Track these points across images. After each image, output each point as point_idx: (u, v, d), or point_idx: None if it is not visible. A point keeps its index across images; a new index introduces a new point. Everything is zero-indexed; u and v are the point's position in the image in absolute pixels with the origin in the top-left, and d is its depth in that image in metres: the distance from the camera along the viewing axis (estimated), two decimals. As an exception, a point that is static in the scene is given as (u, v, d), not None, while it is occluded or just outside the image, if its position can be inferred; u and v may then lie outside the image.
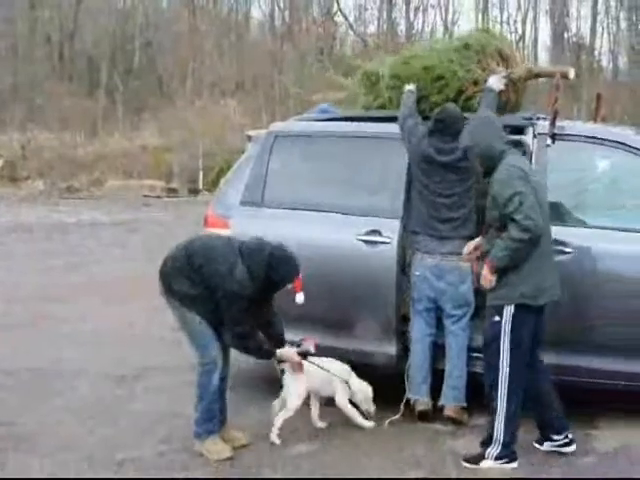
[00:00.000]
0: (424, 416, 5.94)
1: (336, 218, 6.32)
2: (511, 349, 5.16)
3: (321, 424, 5.90)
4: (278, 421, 5.68)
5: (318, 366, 5.77)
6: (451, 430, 5.80)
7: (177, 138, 28.41)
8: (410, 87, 6.39)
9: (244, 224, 6.46)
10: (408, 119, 6.23)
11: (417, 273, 6.04)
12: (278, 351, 5.55)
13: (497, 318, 5.19)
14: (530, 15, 39.74)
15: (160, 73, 39.03)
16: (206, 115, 29.10)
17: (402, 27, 40.18)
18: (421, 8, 40.19)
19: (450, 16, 40.82)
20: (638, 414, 5.90)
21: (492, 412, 5.25)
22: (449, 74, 6.37)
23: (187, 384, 6.84)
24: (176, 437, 5.76)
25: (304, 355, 5.67)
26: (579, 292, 5.75)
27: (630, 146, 6.01)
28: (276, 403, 5.85)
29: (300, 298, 5.57)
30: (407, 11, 39.85)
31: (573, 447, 5.41)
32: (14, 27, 38.38)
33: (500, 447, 5.20)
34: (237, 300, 5.28)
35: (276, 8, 40.70)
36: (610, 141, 6.08)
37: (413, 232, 6.13)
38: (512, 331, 5.16)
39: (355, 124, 6.61)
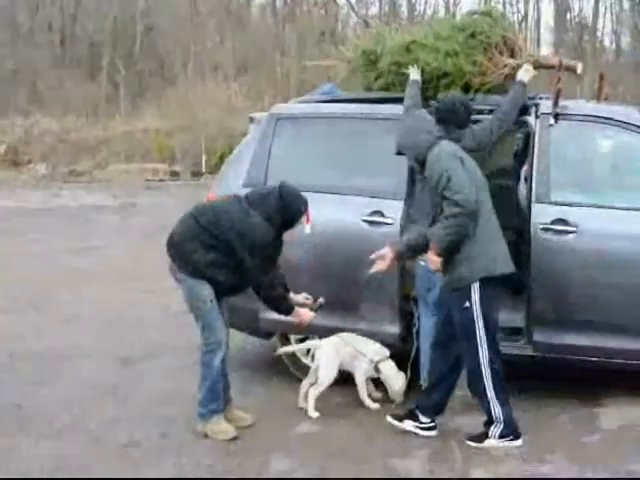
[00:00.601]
0: None
1: (339, 199, 6.31)
2: (486, 330, 5.19)
3: (374, 405, 5.94)
4: (312, 396, 5.78)
5: (348, 342, 5.88)
6: (455, 409, 5.81)
7: (179, 121, 28.34)
8: (415, 76, 6.33)
9: (247, 206, 6.45)
10: (413, 110, 6.19)
11: (423, 263, 5.87)
12: (296, 309, 5.59)
13: (467, 304, 5.19)
14: (533, -5, 39.56)
15: (162, 57, 38.94)
16: (208, 98, 29.04)
17: (404, 8, 40.07)
18: (423, -12, 40.06)
19: (452, -3, 40.62)
20: (642, 392, 5.92)
21: (482, 396, 5.28)
22: (455, 71, 6.32)
23: (192, 365, 6.86)
24: (181, 418, 5.78)
25: (317, 309, 5.70)
26: (583, 271, 5.76)
27: (633, 125, 6.00)
28: (305, 382, 5.93)
29: (308, 229, 5.61)
30: (409, -8, 39.69)
31: (434, 432, 5.45)
32: (15, 11, 38.30)
33: (502, 425, 5.22)
34: (261, 249, 5.32)
35: (277, -10, 40.55)
36: (613, 120, 6.06)
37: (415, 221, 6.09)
38: (482, 310, 5.18)
39: (357, 105, 6.59)
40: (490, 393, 5.23)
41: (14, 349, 7.49)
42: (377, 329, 6.13)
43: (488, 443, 5.24)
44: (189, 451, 5.28)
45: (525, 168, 6.55)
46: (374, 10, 40.53)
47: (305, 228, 5.60)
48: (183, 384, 6.27)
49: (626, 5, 37.16)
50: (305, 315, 5.65)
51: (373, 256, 5.49)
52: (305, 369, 6.18)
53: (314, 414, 5.76)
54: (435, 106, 5.98)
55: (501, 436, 5.23)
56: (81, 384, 6.60)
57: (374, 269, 5.50)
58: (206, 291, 5.43)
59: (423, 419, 5.45)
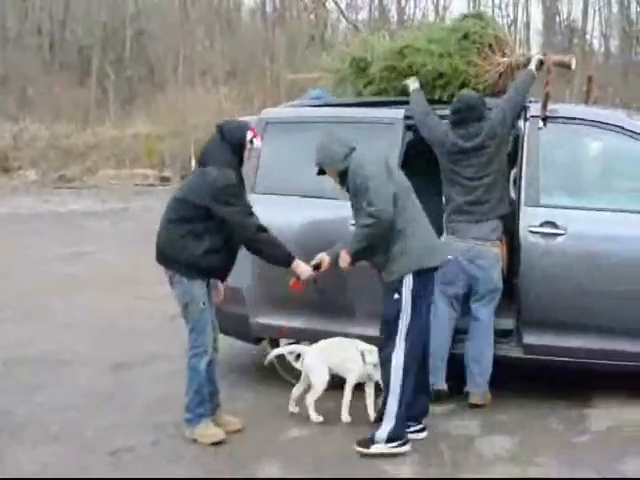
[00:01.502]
0: (438, 398, 5.89)
1: (329, 204, 6.32)
2: (410, 323, 5.19)
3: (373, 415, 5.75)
4: (310, 403, 5.77)
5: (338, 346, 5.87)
6: (445, 412, 5.83)
7: (169, 126, 28.33)
8: (415, 86, 6.35)
9: (237, 210, 6.46)
10: (427, 118, 6.18)
11: (448, 257, 5.85)
12: (297, 260, 5.56)
13: (396, 296, 5.22)
14: (522, -1, 39.69)
15: (151, 61, 38.91)
16: (198, 103, 29.02)
17: (394, 13, 40.14)
18: (412, -7, 40.13)
19: (442, 0, 40.77)
20: (632, 393, 5.93)
21: (386, 389, 5.26)
22: (450, 71, 6.36)
23: (184, 371, 6.87)
24: (171, 424, 5.76)
25: (317, 267, 5.63)
26: (572, 274, 5.79)
27: (622, 128, 6.02)
28: (295, 389, 5.91)
29: (258, 142, 5.64)
30: (398, -4, 39.75)
31: (425, 434, 5.44)
32: (4, 16, 38.24)
33: (392, 426, 5.16)
34: (232, 195, 5.37)
35: (267, -5, 40.55)
36: (602, 123, 6.08)
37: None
38: (412, 303, 5.19)
39: (347, 110, 6.60)
40: (393, 388, 5.18)
41: (8, 356, 7.48)
42: (371, 333, 6.13)
43: (375, 449, 5.17)
44: (181, 458, 5.28)
45: (514, 171, 6.57)
46: (364, 15, 40.62)
47: (256, 143, 5.60)
48: (176, 390, 6.24)
49: (615, 8, 37.32)
50: (305, 269, 5.57)
51: (312, 262, 5.57)
52: (296, 373, 6.19)
53: (318, 418, 5.73)
54: (453, 106, 6.02)
55: (389, 439, 5.15)
56: (75, 391, 6.59)
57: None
58: (200, 292, 5.44)
59: (412, 426, 5.40)
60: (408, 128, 6.35)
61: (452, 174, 6.06)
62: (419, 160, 6.36)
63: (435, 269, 5.36)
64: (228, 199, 5.35)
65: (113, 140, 29.85)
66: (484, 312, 5.97)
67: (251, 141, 5.55)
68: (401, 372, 5.17)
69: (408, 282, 5.20)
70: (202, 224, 5.40)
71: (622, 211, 5.89)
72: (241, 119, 5.78)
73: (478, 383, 5.89)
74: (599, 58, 37.49)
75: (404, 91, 6.50)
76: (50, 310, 9.43)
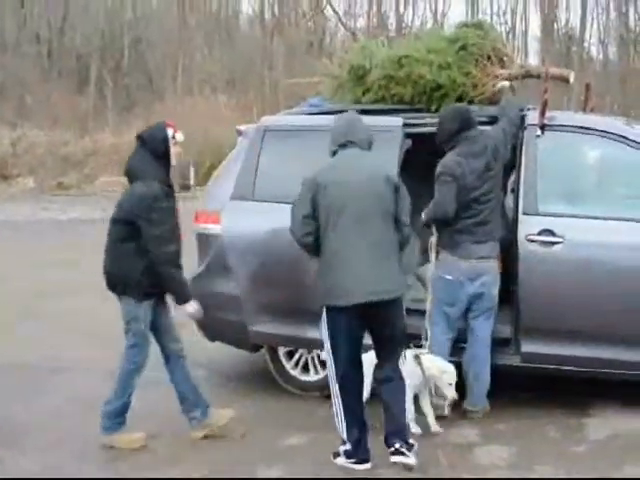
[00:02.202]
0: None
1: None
2: (332, 351, 5.10)
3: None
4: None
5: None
6: (443, 421, 5.81)
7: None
8: None
9: (235, 218, 6.47)
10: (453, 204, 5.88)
11: (449, 277, 5.85)
12: (194, 300, 5.55)
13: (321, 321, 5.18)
14: (520, 6, 39.85)
15: (150, 69, 38.96)
16: (196, 111, 29.04)
17: (392, 20, 40.23)
18: (411, 1, 40.25)
19: (440, 7, 40.90)
20: (630, 402, 5.93)
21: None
22: (448, 83, 6.37)
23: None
24: (167, 432, 5.76)
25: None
26: (570, 281, 5.79)
27: (620, 136, 6.03)
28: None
29: (180, 136, 5.67)
30: (397, 4, 39.87)
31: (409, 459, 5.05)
32: (3, 24, 38.28)
33: (348, 445, 5.10)
34: (156, 213, 5.34)
35: (265, 2, 40.65)
36: (600, 131, 6.08)
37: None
38: (328, 333, 5.09)
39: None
40: (337, 410, 5.12)
41: (8, 362, 7.46)
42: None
43: (338, 460, 5.15)
44: (180, 463, 5.27)
45: (512, 179, 6.56)
46: (362, 22, 40.70)
47: (178, 137, 5.63)
48: (170, 397, 6.24)
49: (613, 15, 37.41)
50: (194, 311, 5.58)
51: None
52: (293, 380, 6.18)
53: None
54: (439, 121, 6.00)
55: (348, 456, 5.12)
56: (69, 397, 6.58)
57: None
58: (145, 313, 5.52)
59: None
60: (407, 136, 6.35)
61: (460, 196, 5.90)
62: (417, 167, 6.36)
63: (345, 309, 4.99)
64: (151, 217, 5.33)
65: (111, 147, 29.86)
66: (484, 328, 5.93)
67: (173, 137, 5.59)
68: (339, 396, 5.10)
69: (323, 310, 5.13)
70: (137, 242, 5.41)
71: (620, 219, 5.88)
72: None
73: (477, 400, 5.88)
74: (597, 65, 37.57)
75: (402, 99, 6.51)
76: (48, 315, 9.42)
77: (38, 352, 7.86)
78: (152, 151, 5.53)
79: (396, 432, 5.06)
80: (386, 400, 5.13)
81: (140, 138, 5.60)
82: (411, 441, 5.07)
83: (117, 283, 5.55)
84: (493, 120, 6.28)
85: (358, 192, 5.03)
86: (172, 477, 5.03)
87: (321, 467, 5.16)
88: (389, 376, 5.13)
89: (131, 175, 5.58)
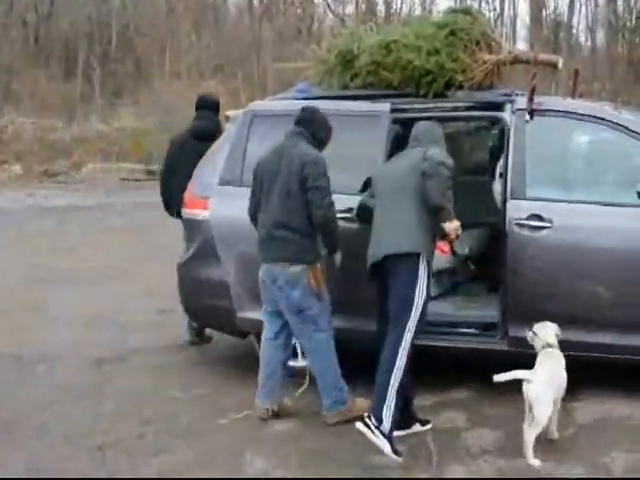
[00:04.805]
0: None
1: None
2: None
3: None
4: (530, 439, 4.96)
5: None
6: (432, 405, 5.82)
7: (156, 120, 28.24)
8: None
9: (223, 204, 6.46)
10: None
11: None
12: None
13: None
14: (508, -8, 39.76)
15: (138, 55, 38.77)
16: (185, 97, 28.91)
17: (380, 6, 40.13)
18: (399, -13, 40.12)
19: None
20: (618, 386, 5.95)
21: None
22: (437, 68, 6.35)
23: (169, 365, 6.88)
24: (157, 418, 5.77)
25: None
26: (558, 266, 5.79)
27: (608, 121, 6.03)
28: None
29: None
30: (385, -10, 39.73)
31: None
32: (-11, 10, 38.07)
33: (390, 422, 5.06)
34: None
35: (254, -12, 40.44)
36: (588, 116, 6.09)
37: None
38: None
39: (333, 102, 6.57)
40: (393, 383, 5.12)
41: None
42: (354, 327, 6.12)
43: (374, 439, 5.06)
44: (166, 451, 5.26)
45: (500, 164, 6.57)
46: (350, 8, 40.56)
47: None
48: (160, 384, 6.26)
49: (601, 2, 37.37)
50: None
51: None
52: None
53: (535, 462, 4.92)
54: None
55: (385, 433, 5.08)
56: (60, 385, 6.57)
57: None
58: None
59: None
60: (394, 121, 6.34)
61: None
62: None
63: None
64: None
65: (99, 134, 29.78)
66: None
67: None
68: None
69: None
70: None
71: (608, 204, 5.89)
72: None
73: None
74: (585, 52, 37.56)
75: (390, 85, 6.49)
76: (35, 304, 9.39)
77: (25, 340, 7.84)
78: None
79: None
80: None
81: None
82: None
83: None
84: (479, 106, 6.29)
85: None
86: (172, 477, 4.99)
87: (307, 455, 5.15)
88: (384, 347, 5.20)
89: None
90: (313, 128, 5.80)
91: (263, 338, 5.85)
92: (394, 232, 5.32)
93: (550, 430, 5.20)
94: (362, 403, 5.60)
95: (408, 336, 5.14)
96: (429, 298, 5.33)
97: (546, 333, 5.38)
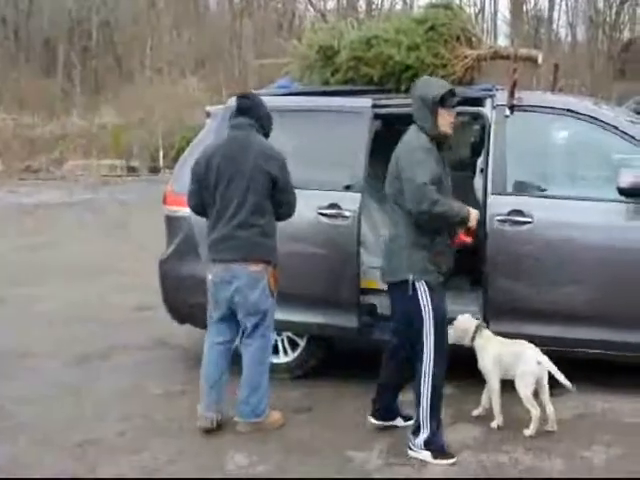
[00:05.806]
0: None
1: (298, 193, 6.28)
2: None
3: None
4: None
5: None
6: (413, 402, 5.82)
7: (136, 117, 28.15)
8: None
9: (203, 200, 6.42)
10: None
11: None
12: None
13: None
14: (489, -12, 39.81)
15: (118, 52, 38.61)
16: (166, 93, 28.86)
17: (362, 2, 40.08)
18: (380, -18, 40.02)
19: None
20: (599, 381, 5.98)
21: None
22: (417, 63, 6.34)
23: (151, 362, 6.86)
24: (137, 415, 5.75)
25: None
26: (539, 261, 5.81)
27: (588, 116, 6.05)
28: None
29: None
30: (366, -15, 39.67)
31: None
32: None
33: (428, 433, 5.08)
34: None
35: (235, -16, 40.31)
36: (569, 111, 6.11)
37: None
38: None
39: (314, 98, 6.57)
40: (427, 392, 5.13)
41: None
42: (334, 323, 6.12)
43: (417, 454, 5.09)
44: (147, 448, 5.25)
45: (481, 159, 6.57)
46: (331, 4, 40.52)
47: None
48: (141, 380, 6.24)
49: (582, -3, 37.48)
50: None
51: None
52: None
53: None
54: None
55: (427, 444, 5.08)
56: (41, 382, 6.54)
57: None
58: None
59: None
60: (376, 117, 6.34)
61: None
62: (387, 149, 6.34)
63: None
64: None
65: (80, 130, 29.61)
66: None
67: None
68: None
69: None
70: None
71: (589, 199, 5.91)
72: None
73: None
74: (566, 47, 37.69)
75: (371, 80, 6.49)
76: (16, 301, 9.34)
77: (6, 337, 7.81)
78: None
79: None
80: None
81: None
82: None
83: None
84: (459, 102, 6.29)
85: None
86: (172, 477, 4.96)
87: (288, 451, 5.16)
88: None
89: None
90: (262, 121, 5.61)
91: (208, 345, 5.64)
92: (387, 254, 5.20)
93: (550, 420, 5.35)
94: (275, 415, 5.57)
95: (430, 364, 5.03)
96: (444, 314, 5.14)
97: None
